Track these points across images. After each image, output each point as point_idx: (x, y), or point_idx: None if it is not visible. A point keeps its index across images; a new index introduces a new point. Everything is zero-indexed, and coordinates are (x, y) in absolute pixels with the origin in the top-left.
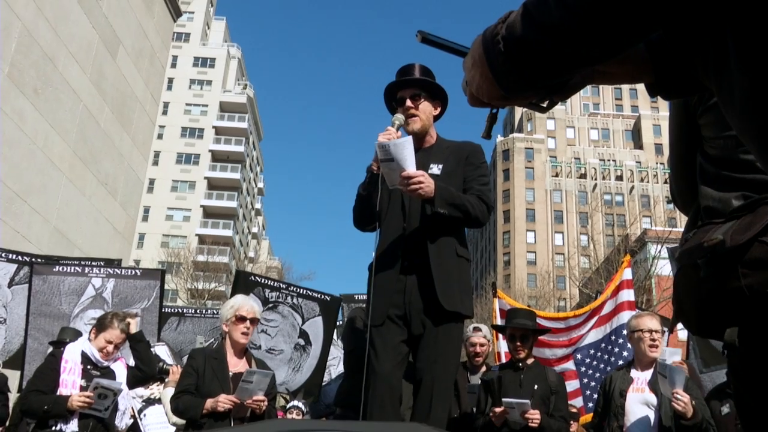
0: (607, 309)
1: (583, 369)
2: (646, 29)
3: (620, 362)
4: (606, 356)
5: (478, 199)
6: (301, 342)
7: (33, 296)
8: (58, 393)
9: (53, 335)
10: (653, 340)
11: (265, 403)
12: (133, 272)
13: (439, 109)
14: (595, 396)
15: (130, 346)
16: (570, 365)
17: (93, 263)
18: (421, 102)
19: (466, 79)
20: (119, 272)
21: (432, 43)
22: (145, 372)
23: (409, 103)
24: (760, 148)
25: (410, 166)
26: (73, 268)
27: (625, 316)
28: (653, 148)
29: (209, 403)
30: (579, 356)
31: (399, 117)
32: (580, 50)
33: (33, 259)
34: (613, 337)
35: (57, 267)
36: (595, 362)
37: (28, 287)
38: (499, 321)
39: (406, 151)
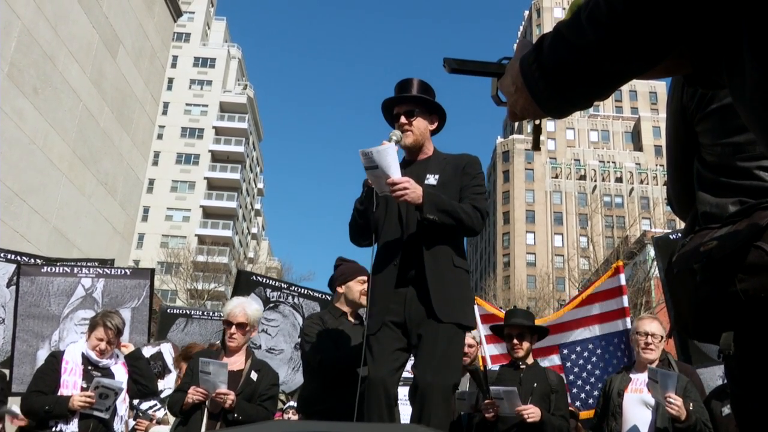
0: (597, 310)
1: (569, 365)
2: (681, 33)
3: (610, 369)
4: (594, 359)
5: (472, 207)
6: None
7: (21, 297)
8: (59, 393)
9: (42, 336)
10: (647, 343)
11: (230, 396)
12: (123, 272)
13: (436, 124)
14: (582, 395)
15: (129, 365)
16: (555, 359)
17: (81, 263)
18: (416, 119)
19: (508, 102)
20: (109, 272)
21: (461, 72)
22: (148, 387)
23: (403, 119)
24: (765, 136)
25: (395, 173)
26: (62, 268)
27: (619, 323)
28: (653, 150)
29: (187, 397)
30: (565, 351)
31: (396, 133)
32: (619, 66)
33: (20, 260)
34: (603, 342)
35: (45, 267)
36: (581, 361)
37: (15, 289)
38: (480, 327)
39: (389, 158)
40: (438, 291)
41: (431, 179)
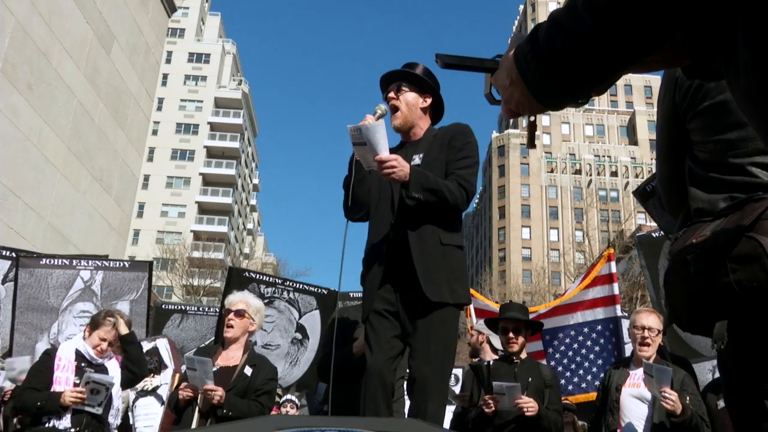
0: (586, 296)
1: (551, 350)
2: (679, 17)
3: (591, 356)
4: (575, 345)
5: (457, 185)
6: (299, 336)
7: (20, 290)
8: (51, 390)
9: (41, 329)
10: (644, 338)
11: (218, 392)
12: (122, 264)
13: (430, 101)
14: (562, 381)
15: (121, 348)
16: (538, 345)
17: (80, 257)
18: (403, 93)
19: (503, 96)
20: (107, 264)
21: (454, 67)
22: (136, 373)
23: (391, 94)
24: (761, 124)
25: (383, 150)
26: (60, 260)
27: (609, 310)
28: (648, 144)
29: (178, 394)
30: (547, 337)
31: (381, 107)
32: (618, 52)
33: (19, 253)
34: (586, 329)
35: (44, 260)
36: (563, 347)
37: (14, 282)
38: (474, 320)
39: (378, 135)
40: (424, 270)
41: (416, 159)
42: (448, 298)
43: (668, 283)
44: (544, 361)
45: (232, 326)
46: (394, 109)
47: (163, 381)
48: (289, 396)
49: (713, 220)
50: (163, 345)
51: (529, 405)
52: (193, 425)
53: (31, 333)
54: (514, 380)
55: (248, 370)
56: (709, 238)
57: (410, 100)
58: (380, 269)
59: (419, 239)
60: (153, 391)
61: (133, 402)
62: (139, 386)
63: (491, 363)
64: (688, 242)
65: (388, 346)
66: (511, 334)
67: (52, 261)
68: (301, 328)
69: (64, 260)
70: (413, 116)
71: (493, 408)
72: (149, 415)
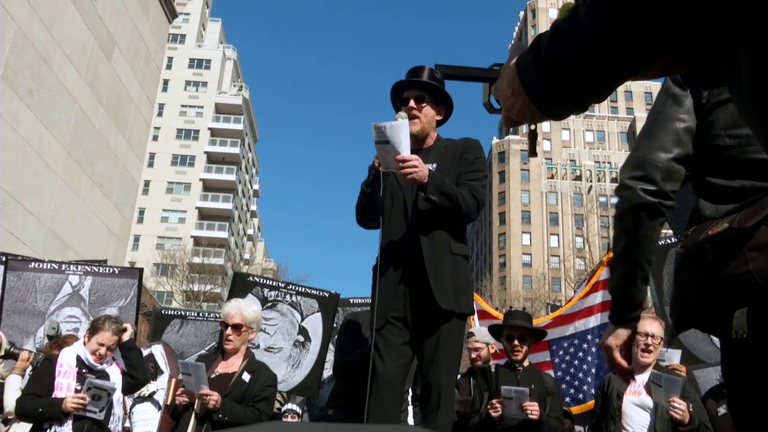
0: (582, 305)
1: (557, 361)
2: (682, 25)
3: (597, 361)
4: (580, 354)
5: (469, 194)
6: (301, 339)
7: (7, 293)
8: (53, 396)
9: (27, 332)
10: (647, 344)
11: (212, 397)
12: (111, 270)
13: (442, 115)
14: (571, 390)
15: (121, 354)
16: (545, 355)
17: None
18: (425, 105)
19: (504, 106)
20: (97, 270)
21: (453, 77)
22: (138, 378)
23: (412, 103)
24: (762, 132)
25: (405, 150)
26: (50, 264)
27: (606, 316)
28: None
29: (176, 399)
30: (554, 347)
31: (402, 115)
32: (620, 60)
33: (8, 256)
34: (589, 336)
35: (33, 264)
36: (568, 357)
37: (1, 283)
38: (477, 324)
39: (401, 134)
40: (435, 277)
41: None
42: (454, 307)
43: (679, 278)
44: (551, 372)
45: (231, 340)
46: (413, 117)
47: (160, 386)
48: (290, 405)
49: (727, 216)
50: (158, 351)
51: (533, 408)
52: (188, 431)
53: (16, 336)
54: (517, 386)
55: (246, 377)
56: (726, 229)
57: (429, 113)
58: (394, 279)
59: (431, 245)
60: (150, 397)
61: (131, 408)
62: (136, 392)
63: (496, 368)
64: (703, 235)
65: (398, 353)
66: (516, 342)
67: (41, 265)
68: (303, 331)
69: (53, 264)
70: (429, 127)
71: (500, 412)
72: (146, 420)
